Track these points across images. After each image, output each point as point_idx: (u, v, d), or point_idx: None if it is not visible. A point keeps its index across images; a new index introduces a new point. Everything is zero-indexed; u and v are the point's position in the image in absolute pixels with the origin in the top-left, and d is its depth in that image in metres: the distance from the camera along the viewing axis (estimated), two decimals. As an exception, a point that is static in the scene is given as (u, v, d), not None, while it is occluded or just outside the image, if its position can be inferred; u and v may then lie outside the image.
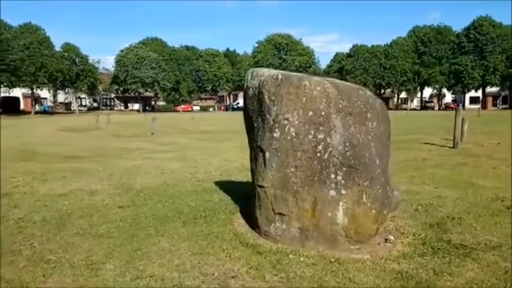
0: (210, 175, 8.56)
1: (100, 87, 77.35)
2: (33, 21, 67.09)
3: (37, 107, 68.01)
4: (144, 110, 72.44)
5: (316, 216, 4.42)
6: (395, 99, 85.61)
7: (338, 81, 4.78)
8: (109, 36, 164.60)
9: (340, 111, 4.41)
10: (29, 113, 59.83)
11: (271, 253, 4.30)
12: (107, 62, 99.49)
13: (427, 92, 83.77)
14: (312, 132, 4.41)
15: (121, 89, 75.83)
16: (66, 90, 71.04)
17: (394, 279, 3.71)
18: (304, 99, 4.44)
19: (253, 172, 5.07)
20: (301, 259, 4.14)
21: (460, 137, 13.23)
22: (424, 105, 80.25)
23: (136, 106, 78.51)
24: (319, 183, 4.40)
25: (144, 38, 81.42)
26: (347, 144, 4.37)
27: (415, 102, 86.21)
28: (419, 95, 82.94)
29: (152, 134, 20.93)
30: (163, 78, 73.29)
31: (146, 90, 77.06)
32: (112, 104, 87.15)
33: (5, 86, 59.36)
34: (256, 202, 4.82)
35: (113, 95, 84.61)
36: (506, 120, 27.73)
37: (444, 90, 79.14)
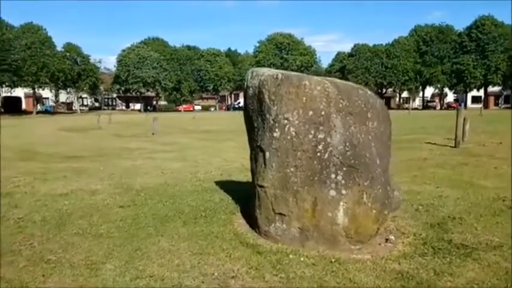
0: (211, 175, 8.56)
1: (101, 87, 77.42)
2: (35, 21, 67.40)
3: (39, 107, 68.17)
4: (146, 110, 72.51)
5: (317, 216, 4.41)
6: (397, 99, 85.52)
7: (338, 80, 4.77)
8: (110, 36, 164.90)
9: (341, 111, 4.40)
10: (31, 112, 59.94)
11: (271, 253, 4.29)
12: (108, 62, 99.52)
13: (429, 91, 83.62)
14: (312, 132, 4.40)
15: (122, 88, 75.90)
16: (68, 90, 71.14)
17: (394, 280, 3.70)
18: (304, 98, 4.43)
19: (253, 172, 5.06)
20: (301, 259, 4.13)
21: (462, 136, 13.19)
22: (425, 105, 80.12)
23: (138, 106, 78.56)
24: (320, 183, 4.38)
25: (145, 37, 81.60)
26: (347, 144, 4.36)
27: (417, 102, 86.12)
28: (421, 94, 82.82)
29: (153, 134, 20.94)
30: (164, 78, 73.33)
31: (148, 90, 77.11)
32: (113, 103, 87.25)
33: (6, 86, 59.49)
34: (256, 202, 4.81)
35: (114, 95, 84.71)
36: (508, 119, 27.63)
37: (446, 89, 79.04)
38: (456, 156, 10.99)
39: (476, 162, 9.80)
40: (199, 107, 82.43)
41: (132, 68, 71.05)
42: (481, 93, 75.48)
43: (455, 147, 12.62)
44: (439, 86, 76.62)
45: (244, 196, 5.86)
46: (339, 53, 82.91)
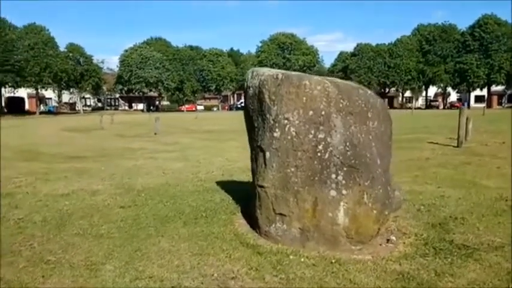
0: (212, 175, 8.55)
1: (104, 87, 77.62)
2: (38, 21, 67.47)
3: (42, 107, 68.39)
4: (148, 110, 72.59)
5: (317, 216, 4.39)
6: (400, 98, 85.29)
7: (339, 80, 4.75)
8: (113, 36, 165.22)
9: (341, 111, 4.38)
10: (34, 113, 60.12)
11: (271, 254, 4.27)
12: (111, 62, 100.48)
13: (432, 90, 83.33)
14: (312, 131, 4.38)
15: (125, 89, 76.03)
16: (71, 91, 71.36)
17: (395, 280, 3.68)
18: (304, 98, 4.41)
19: (253, 172, 5.05)
20: (302, 260, 4.11)
21: (464, 136, 13.13)
22: (428, 104, 79.88)
23: (141, 106, 78.67)
24: (320, 183, 4.36)
25: (148, 37, 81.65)
26: (347, 143, 4.33)
27: (420, 101, 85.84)
28: (424, 93, 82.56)
29: (155, 133, 20.96)
30: (167, 78, 73.41)
31: (150, 90, 77.22)
32: (116, 104, 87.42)
33: (10, 86, 59.67)
34: (256, 202, 4.79)
35: (117, 95, 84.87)
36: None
37: (449, 89, 78.68)
38: (458, 155, 10.95)
39: (478, 162, 9.76)
40: (201, 107, 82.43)
41: (135, 68, 71.15)
42: (484, 92, 75.17)
43: (457, 146, 12.56)
44: (442, 85, 76.30)
45: (245, 196, 5.84)
46: (341, 53, 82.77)
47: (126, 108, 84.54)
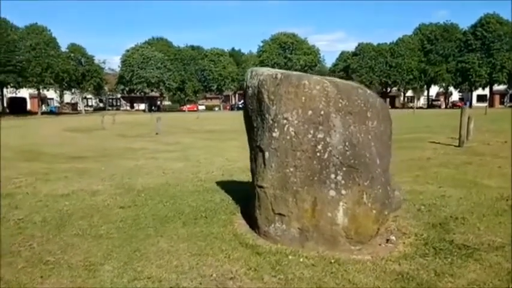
0: (212, 175, 8.54)
1: (106, 88, 77.74)
2: (39, 21, 67.45)
3: (44, 108, 68.50)
4: (150, 110, 72.67)
5: (316, 216, 4.37)
6: (402, 98, 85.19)
7: (338, 80, 4.73)
8: (114, 37, 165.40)
9: (340, 111, 4.36)
10: (36, 113, 60.25)
11: (270, 254, 4.26)
12: (112, 62, 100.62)
13: (434, 90, 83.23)
14: (312, 131, 4.36)
15: (127, 89, 76.11)
16: (73, 91, 71.49)
17: (394, 281, 3.66)
18: (303, 98, 4.40)
19: (253, 172, 5.03)
20: (301, 260, 4.10)
21: (466, 135, 13.09)
22: (430, 104, 79.75)
23: (142, 106, 78.77)
24: (319, 183, 4.35)
25: (149, 38, 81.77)
26: (347, 143, 4.32)
27: (422, 101, 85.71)
28: (425, 93, 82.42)
29: (157, 133, 20.97)
30: (168, 78, 73.46)
31: (152, 90, 77.27)
32: (118, 104, 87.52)
33: (12, 87, 59.83)
34: (256, 202, 4.78)
35: (118, 95, 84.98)
36: (513, 118, 27.39)
37: (451, 88, 78.58)
38: (460, 155, 10.91)
39: (480, 162, 9.72)
40: (203, 107, 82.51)
41: (136, 68, 71.23)
42: (487, 91, 74.99)
43: (459, 146, 12.53)
44: (444, 84, 76.18)
45: (245, 196, 5.82)
46: (343, 52, 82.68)
47: (128, 108, 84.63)
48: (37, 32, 60.49)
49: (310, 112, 4.37)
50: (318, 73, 61.21)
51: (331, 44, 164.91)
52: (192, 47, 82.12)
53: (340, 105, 4.37)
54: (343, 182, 4.30)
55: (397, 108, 72.75)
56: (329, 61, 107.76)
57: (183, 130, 24.72)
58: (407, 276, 3.73)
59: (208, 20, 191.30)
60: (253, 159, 5.01)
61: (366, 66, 75.28)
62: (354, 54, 78.60)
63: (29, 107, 66.61)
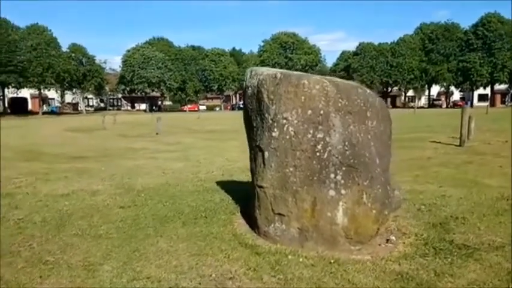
0: (212, 175, 8.54)
1: (107, 88, 77.72)
2: (40, 22, 67.69)
3: (45, 108, 68.61)
4: (151, 110, 72.75)
5: (316, 216, 4.36)
6: (403, 97, 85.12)
7: (337, 79, 4.72)
8: (115, 37, 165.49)
9: (340, 110, 4.35)
10: (37, 113, 60.34)
11: (270, 254, 4.25)
12: (113, 62, 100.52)
13: (435, 89, 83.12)
14: (311, 131, 4.35)
15: (128, 89, 76.14)
16: (74, 91, 71.49)
17: (394, 281, 3.65)
18: (303, 98, 4.39)
19: (252, 172, 5.03)
20: (300, 260, 4.09)
21: (467, 135, 13.07)
22: (431, 103, 79.66)
23: (143, 106, 78.80)
24: (319, 183, 4.34)
25: (150, 38, 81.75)
26: (346, 143, 4.31)
27: (423, 100, 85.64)
28: (426, 93, 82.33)
29: (157, 133, 20.98)
30: (169, 78, 73.47)
31: (153, 90, 77.30)
32: (119, 104, 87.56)
33: (13, 87, 59.94)
34: (255, 202, 4.77)
35: (119, 95, 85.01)
36: (514, 117, 27.34)
37: (452, 87, 78.48)
38: (461, 155, 10.89)
39: (481, 161, 9.70)
40: (204, 107, 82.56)
41: (137, 68, 71.25)
42: (488, 91, 74.89)
43: (460, 145, 12.51)
44: (445, 84, 76.07)
45: (245, 196, 5.82)
46: (343, 52, 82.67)
47: (129, 108, 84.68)
48: (38, 32, 60.53)
49: (309, 112, 4.36)
50: (319, 73, 61.36)
51: (332, 44, 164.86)
52: (193, 47, 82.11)
53: (339, 104, 4.36)
54: (342, 181, 4.29)
55: (398, 107, 72.69)
56: (330, 61, 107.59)
57: (184, 130, 24.72)
58: (407, 276, 3.72)
59: (208, 20, 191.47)
60: (252, 159, 5.00)
61: (366, 66, 75.23)
62: (355, 53, 78.55)
63: (30, 107, 66.67)
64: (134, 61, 71.65)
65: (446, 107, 76.32)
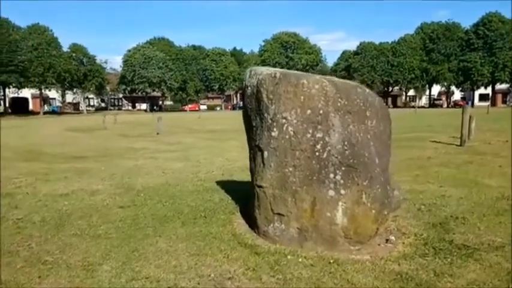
0: (212, 174, 8.53)
1: (108, 87, 77.74)
2: (41, 21, 67.63)
3: (46, 107, 68.68)
4: (152, 110, 72.78)
5: (315, 216, 4.35)
6: (404, 97, 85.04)
7: (337, 79, 4.71)
8: (116, 36, 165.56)
9: (339, 110, 4.34)
10: (38, 113, 60.38)
11: (269, 254, 4.24)
12: (114, 62, 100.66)
13: (436, 89, 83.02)
14: (310, 131, 4.34)
15: (128, 89, 76.15)
16: (74, 91, 71.48)
17: (393, 281, 3.64)
18: (302, 97, 4.38)
19: (252, 172, 5.02)
20: (300, 260, 4.08)
21: (468, 134, 13.04)
22: (432, 103, 79.58)
23: (144, 106, 78.82)
24: (318, 182, 4.33)
25: (151, 37, 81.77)
26: (346, 143, 4.30)
27: (424, 100, 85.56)
28: (427, 92, 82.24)
29: (158, 133, 20.97)
30: (170, 78, 73.47)
31: (153, 90, 77.30)
32: (120, 104, 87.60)
33: (14, 87, 59.96)
34: (255, 202, 4.77)
35: (120, 95, 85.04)
36: (515, 117, 27.27)
37: (453, 87, 78.36)
38: (461, 154, 10.87)
39: (481, 161, 9.68)
40: (204, 107, 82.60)
41: (138, 68, 71.27)
42: (489, 90, 74.75)
43: (460, 145, 12.48)
44: (445, 84, 75.97)
45: (244, 196, 5.81)
46: (344, 52, 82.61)
47: (130, 108, 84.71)
48: (39, 32, 60.54)
49: (309, 111, 4.35)
50: (319, 72, 61.31)
51: (333, 44, 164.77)
52: (194, 47, 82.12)
53: (339, 104, 4.35)
54: (342, 181, 4.28)
55: (399, 107, 72.63)
56: (331, 60, 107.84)
57: (185, 130, 24.71)
58: (406, 276, 3.71)
59: (209, 19, 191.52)
60: (252, 158, 5.00)
61: (367, 66, 75.15)
62: (356, 53, 78.48)
63: (31, 107, 66.74)
64: (135, 61, 71.67)
65: (447, 106, 76.24)
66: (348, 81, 4.78)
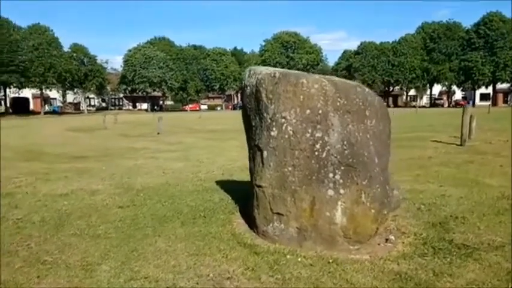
0: (212, 174, 8.52)
1: (108, 87, 77.80)
2: (42, 21, 67.84)
3: (46, 107, 68.70)
4: (152, 110, 72.81)
5: (315, 216, 4.35)
6: (404, 97, 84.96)
7: (336, 78, 4.70)
8: (117, 36, 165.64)
9: (338, 109, 4.33)
10: (39, 113, 60.43)
11: (268, 253, 4.23)
12: (115, 62, 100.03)
13: (437, 89, 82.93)
14: (310, 130, 4.34)
15: (129, 88, 76.21)
16: (75, 91, 71.57)
17: (392, 280, 3.63)
18: (301, 97, 4.37)
19: (251, 171, 5.01)
20: (299, 260, 4.08)
21: (468, 134, 13.02)
22: (433, 103, 79.47)
23: (145, 106, 78.87)
24: (317, 182, 4.32)
25: (151, 37, 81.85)
26: (345, 142, 4.29)
27: (425, 100, 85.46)
28: (428, 92, 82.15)
29: (158, 133, 20.97)
30: (170, 78, 73.48)
31: (154, 90, 77.33)
32: (120, 103, 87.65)
33: (14, 87, 60.00)
34: (254, 202, 4.76)
35: (121, 95, 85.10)
36: (516, 117, 27.24)
37: (454, 87, 78.27)
38: (462, 154, 10.85)
39: (481, 161, 9.66)
40: (205, 107, 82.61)
41: (139, 68, 71.30)
42: (490, 90, 74.64)
43: (461, 145, 12.46)
44: (446, 83, 75.87)
45: (244, 196, 5.80)
46: (345, 51, 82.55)
47: (130, 108, 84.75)
48: (39, 32, 60.59)
49: (308, 111, 4.34)
50: (320, 72, 61.34)
51: (334, 43, 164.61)
52: (194, 47, 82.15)
53: (338, 104, 4.34)
54: (341, 181, 4.27)
55: (399, 107, 72.58)
56: (332, 60, 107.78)
57: (185, 130, 24.72)
58: (405, 276, 3.70)
59: (210, 19, 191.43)
60: (251, 158, 4.99)
61: (368, 65, 75.07)
62: (357, 53, 78.42)
63: (31, 107, 66.79)
64: (136, 61, 71.70)
65: (448, 106, 76.14)
66: (347, 81, 4.77)
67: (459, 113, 15.35)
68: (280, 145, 4.45)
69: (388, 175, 4.68)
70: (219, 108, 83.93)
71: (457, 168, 8.83)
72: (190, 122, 33.59)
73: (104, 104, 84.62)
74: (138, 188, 7.23)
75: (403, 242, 4.51)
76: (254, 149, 4.84)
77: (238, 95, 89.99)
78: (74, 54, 66.77)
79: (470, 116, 13.28)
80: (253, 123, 4.86)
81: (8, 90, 61.23)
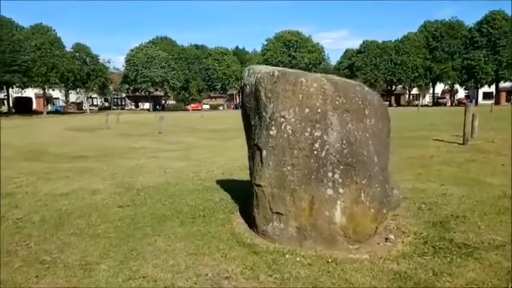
0: (213, 174, 8.51)
1: (111, 87, 77.92)
2: (44, 21, 67.92)
3: (49, 107, 68.84)
4: (155, 109, 72.84)
5: (314, 215, 4.33)
6: (407, 96, 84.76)
7: (336, 77, 4.68)
8: (119, 36, 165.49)
9: (337, 108, 4.31)
10: (41, 113, 60.54)
11: (267, 253, 4.22)
12: (117, 62, 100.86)
13: (439, 87, 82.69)
14: (309, 129, 4.32)
15: (131, 88, 76.31)
16: (78, 90, 71.73)
17: (391, 280, 3.61)
18: (300, 96, 4.35)
19: (251, 171, 5.00)
20: (298, 259, 4.06)
21: (470, 133, 12.97)
22: (436, 101, 79.27)
23: (147, 105, 78.94)
24: (317, 181, 4.30)
25: (153, 37, 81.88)
26: (344, 141, 4.27)
27: (427, 98, 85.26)
28: (431, 91, 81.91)
29: (160, 133, 20.98)
30: (173, 77, 73.55)
31: (156, 90, 77.42)
32: (123, 103, 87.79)
33: (17, 87, 60.15)
34: (254, 201, 4.75)
35: (123, 95, 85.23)
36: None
37: (457, 85, 78.01)
38: (463, 153, 10.80)
39: (483, 159, 9.62)
40: (207, 106, 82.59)
41: (141, 67, 71.37)
42: (493, 89, 74.38)
43: (463, 144, 12.41)
44: (449, 82, 75.59)
45: (244, 195, 5.78)
46: (347, 50, 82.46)
47: (133, 107, 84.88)
48: (42, 32, 60.72)
49: (307, 110, 4.33)
50: (322, 71, 61.24)
51: (336, 42, 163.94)
52: (196, 46, 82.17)
53: (337, 102, 4.32)
54: (340, 180, 4.25)
55: (402, 106, 72.44)
56: (334, 59, 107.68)
57: (187, 129, 24.73)
58: (405, 275, 3.68)
59: (212, 19, 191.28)
60: (251, 157, 4.98)
61: (370, 64, 74.90)
62: (359, 52, 78.25)
63: (34, 106, 66.95)
64: (138, 60, 71.77)
65: (451, 105, 75.89)
66: (347, 80, 4.75)
67: (461, 111, 15.28)
68: (279, 144, 4.43)
69: (387, 174, 4.66)
70: (221, 107, 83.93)
71: (459, 167, 8.79)
72: (191, 122, 33.61)
73: (106, 104, 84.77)
74: (139, 188, 7.23)
75: (403, 242, 4.49)
76: (253, 148, 4.83)
77: (240, 94, 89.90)
78: (77, 54, 66.93)
79: (473, 115, 13.23)
80: (253, 123, 4.85)
81: (10, 90, 61.40)
